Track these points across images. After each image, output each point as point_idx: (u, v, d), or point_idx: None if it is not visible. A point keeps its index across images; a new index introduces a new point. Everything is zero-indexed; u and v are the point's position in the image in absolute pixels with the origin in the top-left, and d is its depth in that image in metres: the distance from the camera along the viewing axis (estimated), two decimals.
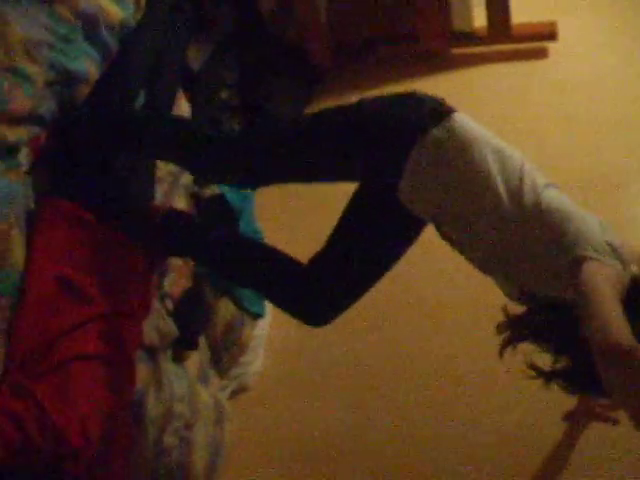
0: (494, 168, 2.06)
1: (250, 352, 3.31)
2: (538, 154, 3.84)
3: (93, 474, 2.01)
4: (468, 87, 4.33)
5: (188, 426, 2.68)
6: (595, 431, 2.75)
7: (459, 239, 2.17)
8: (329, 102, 4.33)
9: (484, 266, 2.18)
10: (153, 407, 2.45)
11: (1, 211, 2.04)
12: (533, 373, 2.11)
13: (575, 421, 2.76)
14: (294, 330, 3.28)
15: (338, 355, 3.36)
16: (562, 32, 4.38)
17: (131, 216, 2.51)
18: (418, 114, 2.15)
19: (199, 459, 2.74)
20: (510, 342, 2.13)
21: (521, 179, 2.05)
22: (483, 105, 4.19)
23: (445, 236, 2.22)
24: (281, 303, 2.55)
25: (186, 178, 3.04)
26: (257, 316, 3.32)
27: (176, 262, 2.79)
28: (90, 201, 2.35)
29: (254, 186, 2.88)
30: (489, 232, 2.06)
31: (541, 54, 4.41)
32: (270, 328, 3.46)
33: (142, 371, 2.40)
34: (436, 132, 2.09)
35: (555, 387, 2.14)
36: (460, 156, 2.08)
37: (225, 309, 3.10)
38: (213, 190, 3.20)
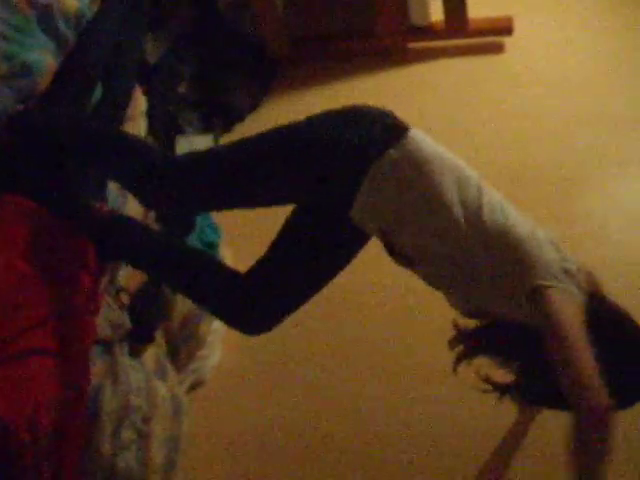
0: (452, 188, 2.04)
1: (207, 346, 3.30)
2: (491, 148, 3.91)
3: (41, 468, 1.99)
4: (425, 81, 4.33)
5: (146, 420, 2.66)
6: None
7: (411, 255, 2.14)
8: (285, 96, 4.37)
9: (436, 282, 2.17)
10: (110, 400, 2.43)
11: None
12: (486, 386, 2.12)
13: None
14: None
15: (295, 349, 3.37)
16: (521, 28, 4.38)
17: (79, 216, 2.47)
18: (373, 134, 2.10)
19: (157, 453, 2.72)
20: (463, 357, 2.13)
21: (479, 199, 2.04)
22: (439, 99, 4.21)
23: (393, 252, 2.19)
24: (215, 312, 2.52)
25: None
26: None
27: None
28: (41, 198, 2.33)
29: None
30: (445, 251, 2.04)
31: (498, 49, 4.43)
32: None
33: (98, 365, 2.40)
34: (393, 153, 2.06)
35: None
36: (418, 176, 2.05)
37: (182, 303, 3.08)
38: None
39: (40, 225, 2.29)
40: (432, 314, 2.77)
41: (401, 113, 2.19)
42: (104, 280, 2.52)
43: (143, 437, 2.65)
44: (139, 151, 2.36)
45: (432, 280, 2.17)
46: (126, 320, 2.62)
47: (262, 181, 2.21)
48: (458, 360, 2.12)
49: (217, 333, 3.36)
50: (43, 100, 2.44)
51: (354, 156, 2.08)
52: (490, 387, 2.11)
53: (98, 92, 2.73)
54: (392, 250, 2.18)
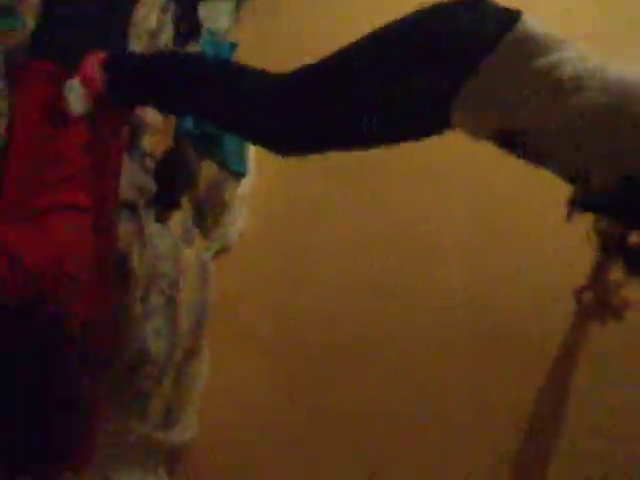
0: (573, 54, 1.93)
1: (233, 212, 3.30)
2: None
3: (73, 316, 2.01)
4: None
5: (173, 285, 2.69)
6: None
7: (540, 140, 1.98)
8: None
9: (572, 157, 1.98)
10: (137, 265, 2.45)
11: None
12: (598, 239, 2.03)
13: (582, 302, 2.81)
14: (277, 189, 3.28)
15: (322, 214, 3.35)
16: None
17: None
18: (493, 18, 2.00)
19: (185, 318, 2.76)
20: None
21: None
22: None
23: (516, 145, 2.03)
24: (244, 116, 2.33)
25: (165, 36, 2.98)
26: (240, 175, 3.30)
27: (156, 122, 2.76)
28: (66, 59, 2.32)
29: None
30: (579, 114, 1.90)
31: None
32: (253, 188, 3.44)
33: (125, 229, 2.40)
34: (513, 34, 1.94)
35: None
36: (538, 49, 1.93)
37: (208, 169, 3.07)
38: (192, 49, 3.14)
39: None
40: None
41: None
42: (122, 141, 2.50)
43: (171, 302, 2.68)
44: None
45: (568, 157, 1.99)
46: (152, 184, 2.61)
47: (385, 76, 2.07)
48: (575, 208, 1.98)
49: (243, 199, 3.35)
50: None
51: (477, 37, 1.98)
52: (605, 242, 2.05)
53: None
54: (510, 141, 2.04)
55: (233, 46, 3.45)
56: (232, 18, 3.79)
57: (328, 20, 3.76)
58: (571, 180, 1.98)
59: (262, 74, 2.27)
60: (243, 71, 2.32)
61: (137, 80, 2.40)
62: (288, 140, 2.27)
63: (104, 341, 2.11)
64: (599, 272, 2.72)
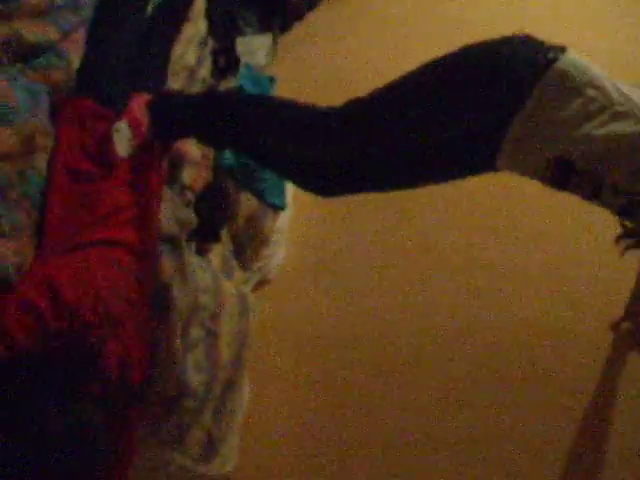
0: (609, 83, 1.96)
1: (272, 245, 3.32)
2: None
3: (107, 354, 2.02)
4: None
5: (214, 318, 2.70)
6: None
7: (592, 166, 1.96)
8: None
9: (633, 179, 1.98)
10: (178, 298, 2.46)
11: (24, 114, 2.05)
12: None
13: (620, 334, 2.79)
14: (315, 222, 3.29)
15: (360, 248, 3.37)
16: None
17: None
18: (538, 51, 2.00)
19: (225, 350, 2.76)
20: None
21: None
22: None
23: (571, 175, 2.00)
24: (293, 156, 2.38)
25: (204, 71, 3.02)
26: (278, 208, 3.32)
27: (195, 156, 2.79)
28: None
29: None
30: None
31: None
32: (291, 221, 3.46)
33: (166, 263, 2.41)
34: (560, 65, 1.95)
35: None
36: (584, 81, 1.94)
37: (247, 202, 3.10)
38: (230, 82, 3.18)
39: (101, 123, 2.33)
40: None
41: None
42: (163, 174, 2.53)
43: (211, 335, 2.69)
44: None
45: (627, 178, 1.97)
46: (192, 217, 2.63)
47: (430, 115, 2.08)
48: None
49: (281, 232, 3.37)
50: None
51: (524, 67, 1.98)
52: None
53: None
54: (565, 171, 2.01)
55: (271, 80, 3.48)
56: (270, 52, 3.83)
57: (365, 52, 3.80)
58: (625, 212, 1.96)
59: (304, 110, 2.29)
60: (285, 108, 2.34)
61: (183, 121, 2.44)
62: (331, 181, 2.29)
63: (137, 379, 2.11)
64: (636, 303, 2.71)
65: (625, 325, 2.86)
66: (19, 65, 2.17)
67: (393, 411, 2.99)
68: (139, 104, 2.39)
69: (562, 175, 1.98)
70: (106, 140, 2.31)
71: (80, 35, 2.42)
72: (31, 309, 1.87)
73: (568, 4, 4.17)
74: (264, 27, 4.04)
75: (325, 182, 2.33)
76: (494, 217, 3.42)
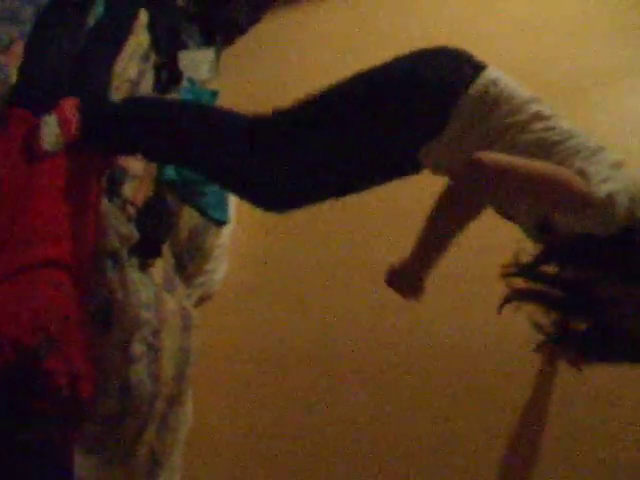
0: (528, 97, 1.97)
1: (214, 260, 3.31)
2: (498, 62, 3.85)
3: (56, 373, 2.00)
4: None
5: (155, 333, 2.69)
6: None
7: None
8: (287, 9, 4.31)
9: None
10: (120, 314, 2.45)
11: None
12: (539, 337, 1.92)
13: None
14: (258, 237, 3.29)
15: (301, 262, 3.37)
16: None
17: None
18: (460, 68, 2.03)
19: (168, 365, 2.75)
20: (516, 296, 1.91)
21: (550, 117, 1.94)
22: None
23: None
24: (228, 169, 2.32)
25: (145, 85, 3.01)
26: (221, 223, 3.31)
27: (137, 170, 2.77)
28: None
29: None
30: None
31: None
32: (234, 235, 3.46)
33: (108, 278, 2.40)
34: (479, 83, 1.98)
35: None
36: (501, 102, 1.96)
37: (189, 217, 3.09)
38: (173, 97, 3.17)
39: None
40: None
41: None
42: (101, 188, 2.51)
43: (153, 350, 2.68)
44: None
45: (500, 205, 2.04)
46: (134, 232, 2.62)
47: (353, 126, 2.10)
48: (507, 300, 1.91)
49: (223, 247, 3.37)
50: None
51: (447, 86, 2.01)
52: (544, 333, 1.92)
53: (101, 7, 2.70)
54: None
55: (214, 94, 3.48)
56: (212, 66, 3.83)
57: (307, 66, 3.81)
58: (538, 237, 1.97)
59: (240, 120, 2.27)
60: (220, 116, 2.33)
61: (111, 126, 2.40)
62: (269, 191, 2.28)
63: (87, 393, 2.09)
64: None
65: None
66: None
67: (339, 426, 2.99)
68: (69, 104, 2.36)
69: None
70: (31, 133, 2.29)
71: (19, 48, 2.40)
72: None
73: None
74: (207, 41, 4.04)
75: (262, 195, 2.33)
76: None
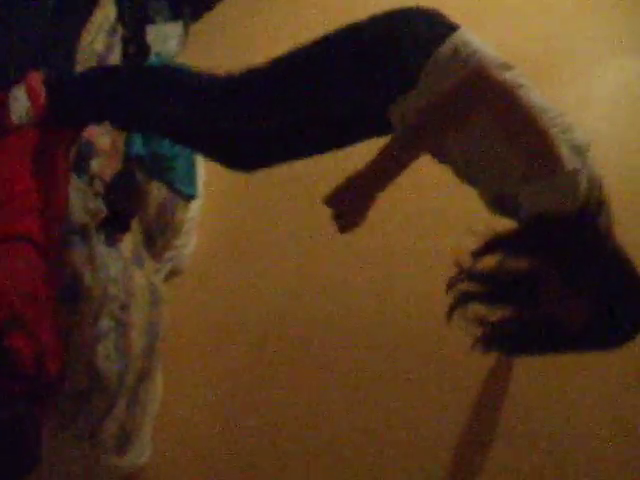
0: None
1: (183, 235, 3.31)
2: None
3: (23, 349, 1.99)
4: None
5: (123, 308, 2.68)
6: None
7: (446, 148, 2.02)
8: None
9: (468, 172, 2.04)
10: (88, 290, 2.44)
11: None
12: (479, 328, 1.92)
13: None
14: (227, 211, 3.28)
15: (271, 235, 3.37)
16: None
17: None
18: (432, 27, 2.03)
19: (137, 341, 2.75)
20: (463, 299, 1.92)
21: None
22: None
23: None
24: (197, 125, 2.31)
25: (113, 58, 2.99)
26: (190, 197, 3.30)
27: (105, 145, 2.76)
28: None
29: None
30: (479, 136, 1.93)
31: None
32: (203, 209, 3.45)
33: (76, 253, 2.39)
34: (450, 42, 1.98)
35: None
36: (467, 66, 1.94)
37: (157, 191, 3.07)
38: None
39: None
40: None
41: None
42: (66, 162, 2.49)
43: (122, 325, 2.67)
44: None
45: (464, 168, 2.05)
46: (102, 207, 2.61)
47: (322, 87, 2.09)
48: (455, 305, 1.92)
49: (193, 221, 3.36)
50: None
51: (415, 48, 2.00)
52: (483, 330, 1.92)
53: None
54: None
55: None
56: (180, 41, 3.81)
57: (274, 41, 3.78)
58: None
59: (201, 77, 2.26)
60: (188, 75, 2.32)
61: (78, 96, 2.38)
62: (236, 148, 2.29)
63: (54, 370, 2.09)
64: None
65: None
66: None
67: (310, 400, 3.00)
68: (37, 78, 2.34)
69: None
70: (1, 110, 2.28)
71: None
72: None
73: None
74: (174, 15, 4.01)
75: (230, 152, 2.33)
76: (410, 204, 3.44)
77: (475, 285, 1.91)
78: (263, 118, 2.19)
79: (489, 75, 1.75)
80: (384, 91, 2.04)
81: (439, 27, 2.04)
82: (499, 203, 1.99)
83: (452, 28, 2.03)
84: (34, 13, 2.58)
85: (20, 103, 2.29)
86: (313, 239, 3.31)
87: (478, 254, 1.87)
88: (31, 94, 2.30)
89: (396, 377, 2.99)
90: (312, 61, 2.09)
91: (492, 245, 1.86)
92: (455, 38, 1.99)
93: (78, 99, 2.37)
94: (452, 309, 1.92)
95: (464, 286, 1.91)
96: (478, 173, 1.98)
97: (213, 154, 2.39)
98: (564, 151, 1.76)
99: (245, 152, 2.31)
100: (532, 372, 2.84)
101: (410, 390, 2.95)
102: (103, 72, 2.51)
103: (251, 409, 3.00)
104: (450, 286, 1.92)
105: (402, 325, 3.09)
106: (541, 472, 2.74)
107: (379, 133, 2.19)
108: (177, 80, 2.28)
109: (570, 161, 1.75)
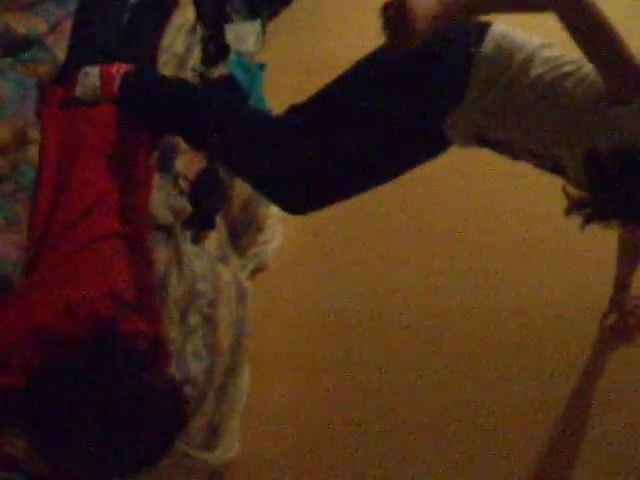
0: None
1: (268, 231, 3.32)
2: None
3: (137, 340, 2.01)
4: None
5: (211, 304, 2.71)
6: None
7: (511, 137, 2.04)
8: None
9: (544, 149, 2.03)
10: (176, 287, 2.47)
11: (16, 107, 2.06)
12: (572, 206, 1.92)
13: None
14: None
15: (356, 231, 3.37)
16: None
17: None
18: (466, 31, 2.03)
19: (224, 336, 2.77)
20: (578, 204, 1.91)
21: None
22: None
23: (492, 143, 2.11)
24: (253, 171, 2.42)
25: (193, 59, 3.01)
26: None
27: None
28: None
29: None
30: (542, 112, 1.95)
31: None
32: None
33: (163, 252, 2.42)
34: (489, 40, 2.00)
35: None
36: (515, 52, 1.98)
37: (241, 188, 3.09)
38: (221, 71, 3.17)
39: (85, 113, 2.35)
40: None
41: None
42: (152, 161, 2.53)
43: (209, 321, 2.70)
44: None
45: (538, 148, 2.04)
46: (187, 206, 2.63)
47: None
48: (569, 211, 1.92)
49: (277, 217, 3.37)
50: None
51: (458, 56, 2.02)
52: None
53: None
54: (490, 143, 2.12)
55: (261, 67, 3.47)
56: (259, 39, 3.82)
57: (351, 36, 3.79)
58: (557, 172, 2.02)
59: (262, 119, 2.37)
60: (245, 113, 2.41)
61: (149, 100, 2.43)
62: (294, 195, 2.33)
63: (166, 362, 2.13)
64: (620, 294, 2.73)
65: (612, 317, 2.87)
66: (9, 59, 2.17)
67: (395, 392, 3.00)
68: (119, 67, 2.39)
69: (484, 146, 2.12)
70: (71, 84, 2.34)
71: (66, 28, 2.42)
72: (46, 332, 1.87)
73: None
74: (252, 14, 4.03)
75: (289, 196, 2.37)
76: (489, 198, 3.41)
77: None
78: (316, 157, 2.22)
79: None
80: (436, 107, 2.06)
81: (472, 28, 2.04)
82: (594, 160, 1.91)
83: (485, 25, 2.04)
84: (115, 16, 2.62)
85: (89, 79, 2.34)
86: (399, 236, 3.31)
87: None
88: (105, 76, 2.35)
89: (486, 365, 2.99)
90: (357, 91, 2.14)
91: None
92: (491, 35, 2.01)
93: (148, 104, 2.42)
94: (568, 213, 1.91)
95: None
96: (564, 135, 1.95)
97: (266, 195, 2.45)
98: None
99: (298, 195, 2.38)
100: None
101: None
102: (179, 86, 2.57)
103: (339, 403, 3.00)
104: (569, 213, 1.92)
105: (485, 320, 3.09)
106: None
107: (435, 153, 2.21)
108: (237, 121, 2.34)
109: None
